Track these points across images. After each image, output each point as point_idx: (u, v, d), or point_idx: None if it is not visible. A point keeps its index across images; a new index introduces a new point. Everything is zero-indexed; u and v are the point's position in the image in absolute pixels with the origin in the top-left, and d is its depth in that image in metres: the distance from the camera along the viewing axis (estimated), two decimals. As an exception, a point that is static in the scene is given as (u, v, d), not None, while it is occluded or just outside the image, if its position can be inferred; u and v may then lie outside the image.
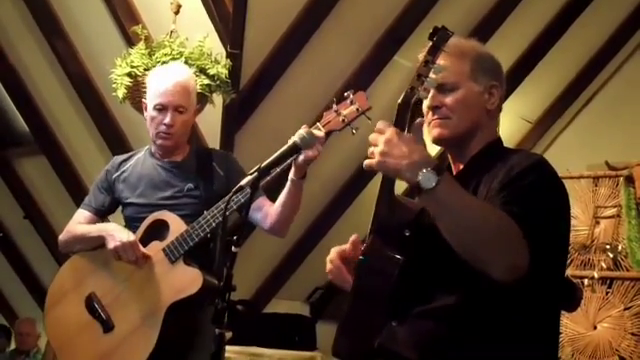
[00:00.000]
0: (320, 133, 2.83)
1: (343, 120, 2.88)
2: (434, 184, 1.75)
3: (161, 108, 3.16)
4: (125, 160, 3.36)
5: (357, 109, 2.88)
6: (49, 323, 3.24)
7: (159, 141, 3.22)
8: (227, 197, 2.30)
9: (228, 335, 2.15)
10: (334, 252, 2.15)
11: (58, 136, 6.50)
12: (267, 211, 3.15)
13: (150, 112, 3.20)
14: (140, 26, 4.62)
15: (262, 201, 3.18)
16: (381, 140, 1.81)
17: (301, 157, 2.83)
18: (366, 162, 1.86)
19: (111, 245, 3.07)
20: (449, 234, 1.81)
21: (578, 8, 6.00)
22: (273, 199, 3.18)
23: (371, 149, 1.84)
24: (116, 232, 3.11)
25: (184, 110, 3.19)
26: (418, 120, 1.90)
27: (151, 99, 3.20)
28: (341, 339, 2.07)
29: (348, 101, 2.89)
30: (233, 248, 2.01)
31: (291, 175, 2.97)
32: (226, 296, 2.01)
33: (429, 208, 1.83)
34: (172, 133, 3.19)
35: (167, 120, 3.15)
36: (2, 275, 8.00)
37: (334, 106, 2.90)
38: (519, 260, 1.79)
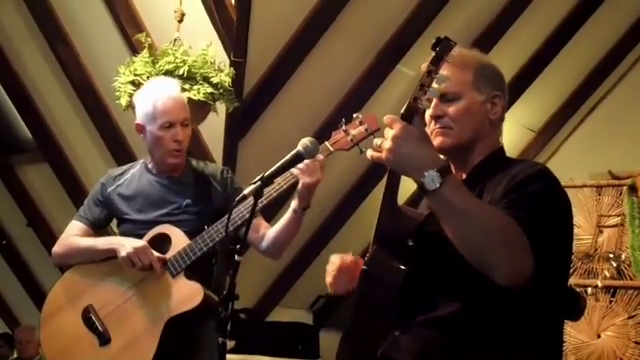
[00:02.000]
0: (320, 157, 2.84)
1: (351, 140, 2.90)
2: (438, 185, 1.75)
3: (169, 126, 3.11)
4: (120, 174, 3.30)
5: (366, 129, 2.90)
6: (44, 335, 3.19)
7: (171, 160, 3.17)
8: (230, 209, 2.29)
9: (230, 344, 2.15)
10: (337, 258, 2.15)
11: (61, 143, 6.51)
12: (263, 233, 3.13)
13: (156, 133, 3.12)
14: (144, 34, 4.62)
15: (259, 222, 3.17)
16: (389, 135, 1.80)
17: (300, 184, 2.85)
18: (372, 155, 1.84)
19: (123, 253, 3.03)
20: (454, 236, 1.81)
21: (581, 17, 6.01)
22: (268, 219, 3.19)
23: (377, 141, 1.83)
24: (126, 241, 3.08)
25: (188, 123, 3.18)
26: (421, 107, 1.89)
27: (154, 118, 3.12)
28: (344, 348, 2.07)
29: (357, 121, 2.91)
30: (236, 257, 2.00)
31: (294, 205, 2.98)
32: (229, 305, 2.00)
33: (434, 209, 1.83)
34: (182, 149, 3.16)
35: (179, 136, 3.11)
36: (5, 282, 8.01)
37: (343, 126, 2.91)
38: (524, 263, 1.79)
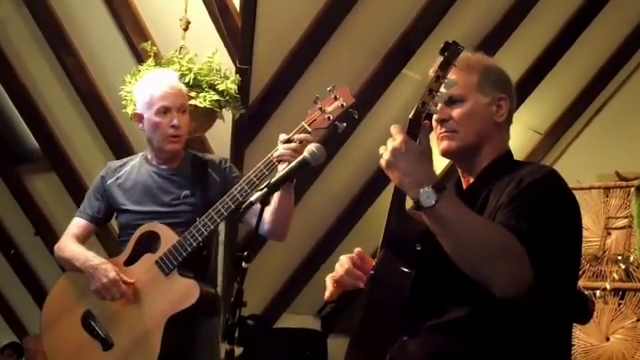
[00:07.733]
0: (307, 136, 2.83)
1: (329, 117, 2.86)
2: (433, 202, 1.78)
3: (165, 110, 3.14)
4: (120, 166, 3.33)
5: (342, 105, 2.85)
6: (47, 344, 3.21)
7: (169, 146, 3.19)
8: (239, 216, 2.29)
9: (238, 351, 2.15)
10: (346, 259, 2.14)
11: (68, 152, 6.52)
12: (264, 216, 3.11)
13: (153, 118, 3.16)
14: (149, 43, 4.64)
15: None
16: (389, 147, 1.83)
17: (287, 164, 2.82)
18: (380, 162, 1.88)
19: (92, 287, 3.08)
20: (450, 251, 1.84)
21: (586, 19, 5.99)
22: None
23: (381, 149, 1.86)
24: (97, 270, 3.09)
25: (186, 109, 3.21)
26: (426, 122, 1.90)
27: (151, 105, 3.16)
28: (352, 353, 2.06)
29: (332, 96, 2.86)
30: (243, 264, 2.00)
31: None
32: (237, 312, 2.00)
33: (430, 225, 1.85)
34: (181, 135, 3.18)
35: (175, 121, 3.14)
36: (13, 291, 8.01)
37: (318, 102, 2.86)
38: (520, 275, 1.80)
